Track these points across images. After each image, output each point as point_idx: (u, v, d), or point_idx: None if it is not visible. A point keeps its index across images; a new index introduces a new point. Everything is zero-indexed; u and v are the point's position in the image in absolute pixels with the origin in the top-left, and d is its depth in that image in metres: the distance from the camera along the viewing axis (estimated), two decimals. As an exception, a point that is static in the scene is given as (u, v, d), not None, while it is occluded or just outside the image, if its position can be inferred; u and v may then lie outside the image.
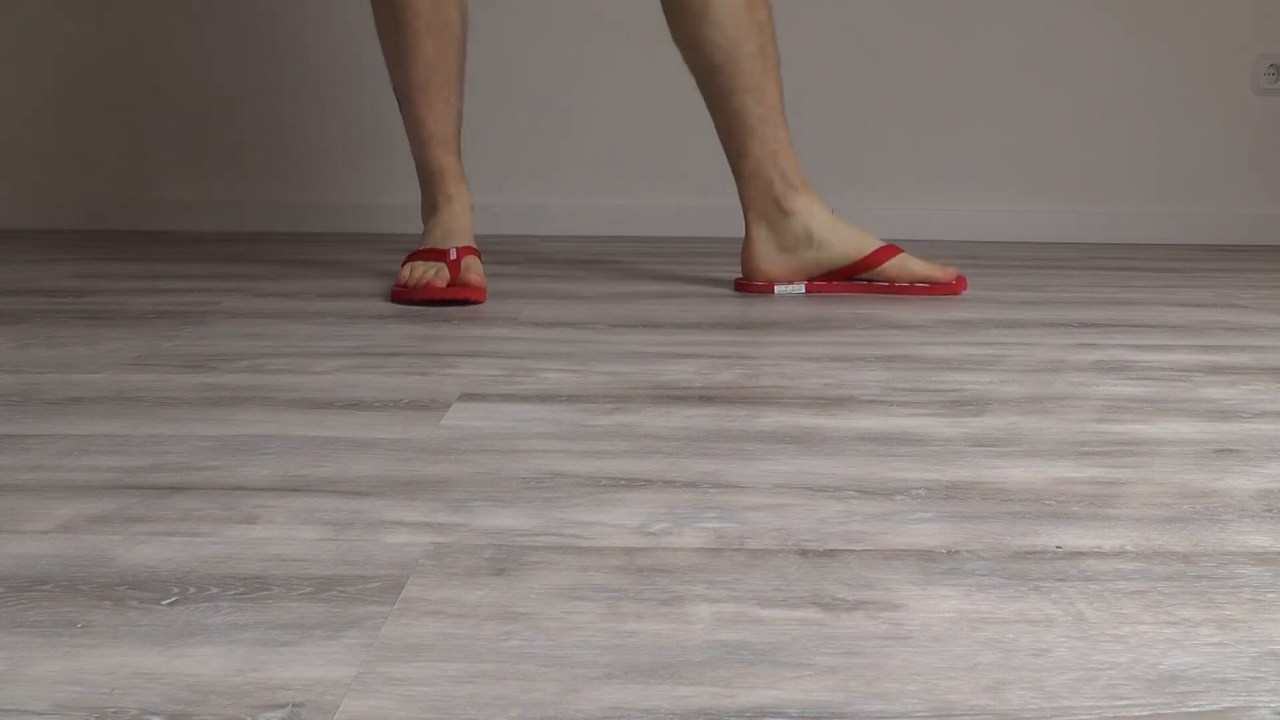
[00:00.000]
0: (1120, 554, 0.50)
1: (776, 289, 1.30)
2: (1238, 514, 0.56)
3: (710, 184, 2.02)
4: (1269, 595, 0.46)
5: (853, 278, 1.30)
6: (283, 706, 0.36)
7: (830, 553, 0.50)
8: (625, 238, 1.99)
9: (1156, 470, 0.63)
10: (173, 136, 2.01)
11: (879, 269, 1.28)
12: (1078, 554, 0.50)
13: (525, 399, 0.77)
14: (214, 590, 0.45)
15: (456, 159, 1.27)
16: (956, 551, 0.50)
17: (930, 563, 0.49)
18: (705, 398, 0.78)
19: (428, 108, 1.23)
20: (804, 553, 0.50)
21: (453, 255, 1.20)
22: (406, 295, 1.17)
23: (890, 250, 1.29)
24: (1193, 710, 0.37)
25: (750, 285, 1.32)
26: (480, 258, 1.23)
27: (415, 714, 0.36)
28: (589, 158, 2.03)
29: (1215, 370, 0.89)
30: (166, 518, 0.53)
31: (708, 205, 2.02)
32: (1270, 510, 0.56)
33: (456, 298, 1.16)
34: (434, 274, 1.17)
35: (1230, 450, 0.67)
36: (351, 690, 0.37)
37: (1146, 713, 0.36)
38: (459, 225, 1.25)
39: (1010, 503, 0.57)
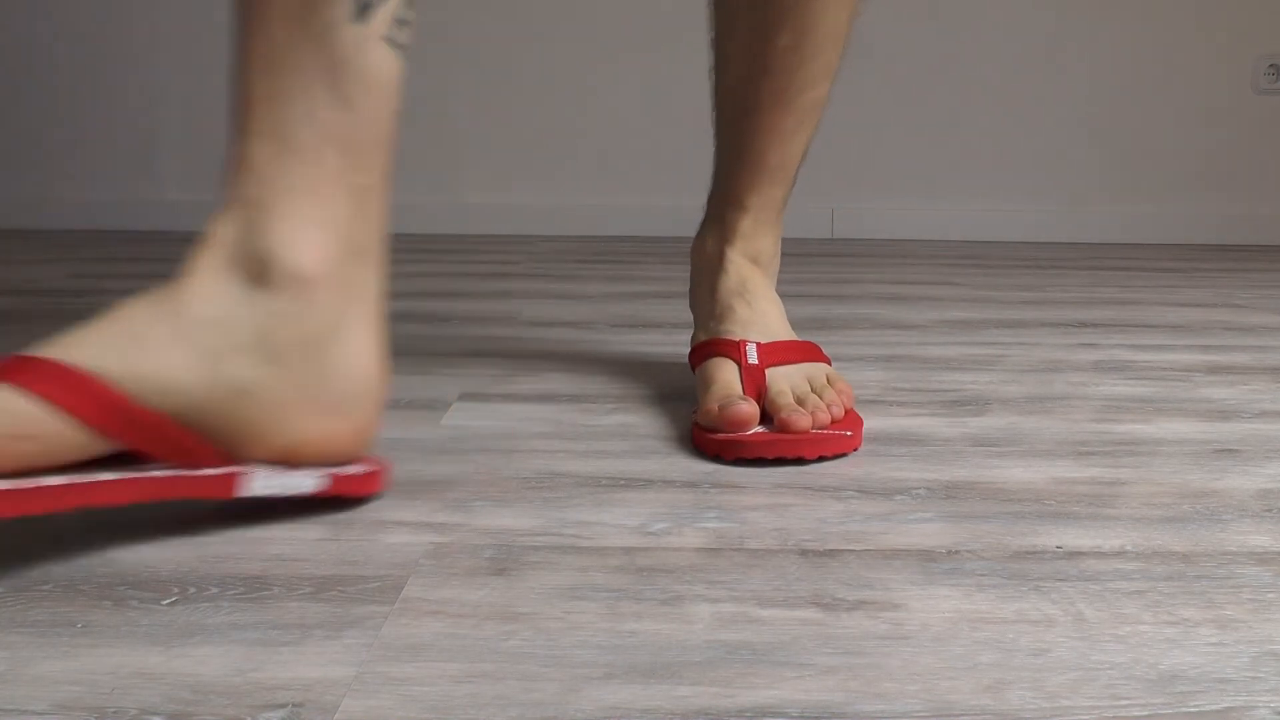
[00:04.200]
0: (1120, 554, 0.50)
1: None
2: (1238, 514, 0.55)
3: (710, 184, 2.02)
4: (1269, 595, 0.46)
5: None
6: (283, 706, 0.36)
7: (830, 553, 0.50)
8: (625, 238, 1.99)
9: (1156, 470, 0.62)
10: (173, 136, 2.01)
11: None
12: (1078, 554, 0.50)
13: (525, 399, 0.77)
14: (214, 590, 0.45)
15: None
16: (956, 551, 0.50)
17: (930, 563, 0.49)
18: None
19: None
20: (804, 553, 0.50)
21: None
22: None
23: None
24: (1193, 710, 0.37)
25: None
26: None
27: (415, 714, 0.36)
28: (589, 158, 2.03)
29: (1215, 370, 0.89)
30: (166, 518, 0.53)
31: (708, 205, 2.02)
32: (1270, 510, 0.56)
33: None
34: None
35: (1230, 450, 0.67)
36: (351, 690, 0.37)
37: (1146, 713, 0.36)
38: None
39: (1010, 503, 0.57)
